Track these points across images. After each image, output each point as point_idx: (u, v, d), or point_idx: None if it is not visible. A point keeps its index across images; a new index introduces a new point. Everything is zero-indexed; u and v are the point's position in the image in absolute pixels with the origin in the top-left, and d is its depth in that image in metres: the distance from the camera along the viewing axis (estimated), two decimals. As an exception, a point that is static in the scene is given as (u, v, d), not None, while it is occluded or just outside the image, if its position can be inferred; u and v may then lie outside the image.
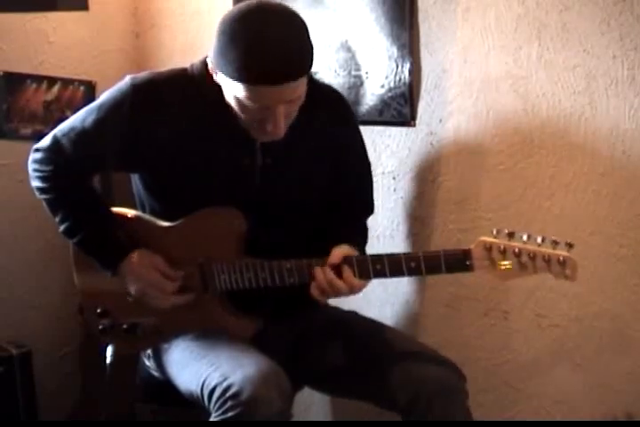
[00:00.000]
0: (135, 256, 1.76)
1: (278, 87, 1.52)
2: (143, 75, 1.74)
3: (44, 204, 1.83)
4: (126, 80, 1.73)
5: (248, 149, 1.70)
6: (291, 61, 1.52)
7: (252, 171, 1.72)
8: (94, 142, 1.74)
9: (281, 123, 1.59)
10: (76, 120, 1.77)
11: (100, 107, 1.74)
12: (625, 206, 1.79)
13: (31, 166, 1.83)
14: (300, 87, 1.57)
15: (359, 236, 1.88)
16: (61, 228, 1.81)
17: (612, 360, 1.86)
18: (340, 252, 1.69)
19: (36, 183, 1.83)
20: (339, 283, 1.65)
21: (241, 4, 1.56)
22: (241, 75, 1.51)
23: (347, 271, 1.65)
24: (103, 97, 1.76)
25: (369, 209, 1.95)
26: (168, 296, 1.76)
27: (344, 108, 1.87)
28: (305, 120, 1.67)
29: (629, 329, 1.83)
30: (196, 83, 1.69)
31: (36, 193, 1.84)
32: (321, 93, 1.77)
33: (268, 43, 1.49)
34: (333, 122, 1.80)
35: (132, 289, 1.78)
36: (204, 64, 1.68)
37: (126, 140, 1.71)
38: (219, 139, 1.69)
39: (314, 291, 1.68)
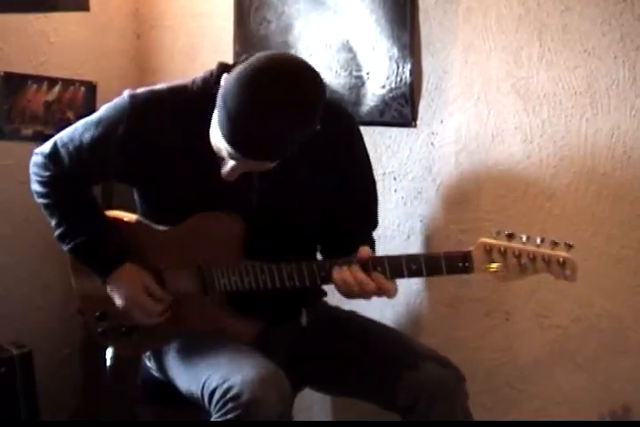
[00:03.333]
0: (125, 271, 1.76)
1: (242, 158, 1.52)
2: (142, 93, 1.70)
3: (41, 208, 1.84)
4: (125, 98, 1.70)
5: (244, 173, 1.65)
6: (265, 148, 1.49)
7: (249, 193, 1.71)
8: (90, 159, 1.74)
9: (234, 174, 1.59)
10: (75, 132, 1.76)
11: (98, 123, 1.72)
12: (626, 207, 1.79)
13: (31, 169, 1.84)
14: (264, 165, 1.57)
15: (370, 244, 1.82)
16: (56, 233, 1.82)
17: (612, 361, 1.86)
18: (367, 249, 1.66)
19: (34, 187, 1.84)
20: (368, 282, 1.61)
21: (264, 61, 1.47)
22: (221, 127, 1.49)
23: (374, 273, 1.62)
24: (102, 112, 1.74)
25: (373, 224, 1.90)
26: (152, 317, 1.77)
27: (353, 130, 1.81)
28: (308, 145, 1.61)
29: (630, 330, 1.83)
30: (196, 102, 1.64)
31: (35, 196, 1.85)
32: (330, 117, 1.67)
33: (260, 120, 1.44)
34: (337, 141, 1.75)
35: (118, 303, 1.78)
36: (206, 81, 1.65)
37: (122, 157, 1.70)
38: (216, 161, 1.63)
39: (340, 290, 1.64)
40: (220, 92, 1.50)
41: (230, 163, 1.57)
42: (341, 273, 1.62)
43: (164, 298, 1.77)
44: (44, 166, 1.80)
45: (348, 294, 1.64)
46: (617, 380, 1.86)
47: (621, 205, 1.80)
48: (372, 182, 1.88)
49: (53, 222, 1.82)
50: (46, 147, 1.80)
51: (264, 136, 1.46)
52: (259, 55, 1.50)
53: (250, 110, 1.44)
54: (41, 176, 1.81)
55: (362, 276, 1.61)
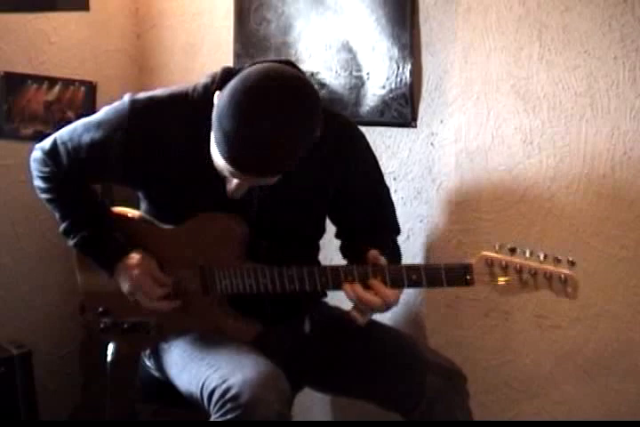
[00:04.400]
0: (132, 257, 1.77)
1: (244, 175, 1.52)
2: (143, 98, 1.70)
3: (45, 202, 1.85)
4: (125, 103, 1.69)
5: None
6: (265, 164, 1.48)
7: (250, 202, 1.70)
8: (87, 160, 1.75)
9: (239, 191, 1.59)
10: (75, 131, 1.76)
11: (97, 126, 1.72)
12: (626, 208, 1.79)
13: (31, 164, 1.85)
14: (268, 180, 1.56)
15: (388, 249, 1.76)
16: (61, 227, 1.83)
17: (612, 361, 1.86)
18: (374, 253, 1.64)
19: (36, 182, 1.85)
20: (369, 297, 1.60)
21: (255, 78, 1.46)
22: (219, 147, 1.49)
23: (375, 283, 1.61)
24: (102, 114, 1.74)
25: (394, 230, 1.88)
26: (153, 301, 1.77)
27: (354, 139, 1.80)
28: (309, 151, 1.60)
29: (630, 330, 1.83)
30: (196, 109, 1.64)
31: (37, 191, 1.86)
32: (332, 125, 1.69)
33: (257, 137, 1.43)
34: (340, 154, 1.75)
35: (124, 288, 1.79)
36: (206, 90, 1.65)
37: (120, 162, 1.71)
38: (215, 169, 1.63)
39: (353, 314, 1.64)
40: (214, 112, 1.50)
41: (234, 181, 1.57)
42: (347, 291, 1.62)
43: (166, 283, 1.77)
44: (44, 162, 1.80)
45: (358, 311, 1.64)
46: (616, 380, 1.86)
47: (621, 206, 1.80)
48: (384, 189, 1.87)
49: (57, 216, 1.84)
50: (46, 143, 1.81)
51: (262, 154, 1.46)
52: (249, 71, 1.49)
53: (245, 130, 1.44)
54: (41, 171, 1.82)
55: (363, 294, 1.60)
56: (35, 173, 1.84)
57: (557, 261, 1.49)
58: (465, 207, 2.04)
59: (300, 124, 1.48)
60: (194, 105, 1.66)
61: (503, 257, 1.53)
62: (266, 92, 1.44)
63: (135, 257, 1.77)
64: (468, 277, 1.56)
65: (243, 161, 1.48)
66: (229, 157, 1.48)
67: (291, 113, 1.45)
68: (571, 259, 1.48)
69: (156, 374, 1.90)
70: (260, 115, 1.43)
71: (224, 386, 1.55)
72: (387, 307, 1.63)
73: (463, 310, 2.08)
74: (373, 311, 1.64)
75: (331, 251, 1.94)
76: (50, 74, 2.52)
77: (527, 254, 1.51)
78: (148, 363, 1.93)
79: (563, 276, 1.48)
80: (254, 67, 1.51)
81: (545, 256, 1.49)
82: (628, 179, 1.78)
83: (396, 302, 1.63)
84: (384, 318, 2.07)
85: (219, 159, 1.52)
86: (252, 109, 1.44)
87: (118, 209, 1.88)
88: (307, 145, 1.52)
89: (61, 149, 1.76)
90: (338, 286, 1.64)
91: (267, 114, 1.43)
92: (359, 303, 1.62)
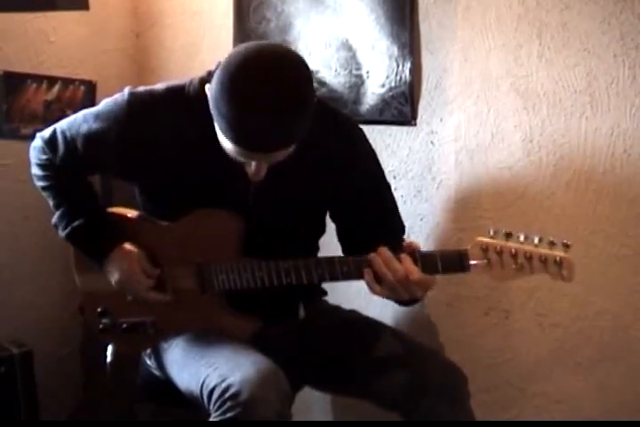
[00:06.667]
0: (123, 249, 1.78)
1: (259, 154, 1.53)
2: (141, 92, 1.72)
3: (40, 190, 1.87)
4: (125, 95, 1.71)
5: (240, 175, 1.65)
6: (274, 137, 1.49)
7: (245, 197, 1.71)
8: (83, 150, 1.76)
9: (260, 172, 1.59)
10: (74, 122, 1.78)
11: (96, 117, 1.74)
12: (626, 205, 1.79)
13: (30, 152, 1.87)
14: (282, 153, 1.55)
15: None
16: (54, 216, 1.83)
17: (612, 360, 1.86)
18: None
19: (33, 170, 1.87)
20: (396, 264, 1.57)
21: (251, 52, 1.48)
22: (226, 133, 1.50)
23: (405, 257, 1.58)
24: (102, 106, 1.76)
25: (399, 229, 1.85)
26: (143, 291, 1.77)
27: (354, 137, 1.79)
28: (306, 148, 1.62)
29: (630, 328, 1.83)
30: (192, 104, 1.65)
31: (34, 179, 1.88)
32: (331, 122, 1.70)
33: (257, 113, 1.44)
34: (340, 151, 1.74)
35: (113, 279, 1.79)
36: (202, 85, 1.65)
37: (116, 154, 1.72)
38: (211, 163, 1.64)
39: (368, 277, 1.60)
40: (210, 104, 1.51)
41: (253, 163, 1.58)
42: (373, 259, 1.59)
43: (152, 273, 1.78)
44: (42, 150, 1.82)
45: (382, 281, 1.59)
46: (617, 378, 1.86)
47: (621, 204, 1.80)
48: (387, 189, 1.85)
49: (51, 204, 1.85)
50: (47, 132, 1.83)
51: (265, 128, 1.46)
52: (228, 57, 1.49)
53: (242, 109, 1.45)
54: (39, 159, 1.84)
55: (390, 259, 1.57)
56: (33, 160, 1.86)
57: (552, 244, 1.48)
58: (465, 205, 2.03)
59: (295, 95, 1.47)
60: (190, 98, 1.67)
61: (498, 242, 1.53)
62: (247, 67, 1.45)
63: (126, 247, 1.78)
64: (464, 263, 1.55)
65: (250, 140, 1.49)
66: (236, 140, 1.49)
67: (283, 86, 1.45)
68: (565, 241, 1.48)
69: (157, 372, 1.90)
70: (251, 90, 1.43)
71: (224, 385, 1.55)
72: (406, 284, 1.57)
73: (463, 308, 2.08)
74: (391, 284, 1.58)
75: (331, 251, 1.93)
76: (49, 73, 2.53)
77: (522, 239, 1.51)
78: (148, 362, 1.93)
79: (558, 258, 1.48)
80: (235, 50, 1.51)
81: (540, 240, 1.49)
82: (627, 176, 1.77)
83: (417, 283, 1.58)
84: (384, 317, 2.07)
85: (228, 145, 1.53)
86: (242, 88, 1.44)
87: (116, 209, 1.88)
88: (309, 113, 1.50)
89: (60, 138, 1.78)
90: (334, 278, 1.64)
91: (260, 93, 1.43)
92: (382, 268, 1.57)
